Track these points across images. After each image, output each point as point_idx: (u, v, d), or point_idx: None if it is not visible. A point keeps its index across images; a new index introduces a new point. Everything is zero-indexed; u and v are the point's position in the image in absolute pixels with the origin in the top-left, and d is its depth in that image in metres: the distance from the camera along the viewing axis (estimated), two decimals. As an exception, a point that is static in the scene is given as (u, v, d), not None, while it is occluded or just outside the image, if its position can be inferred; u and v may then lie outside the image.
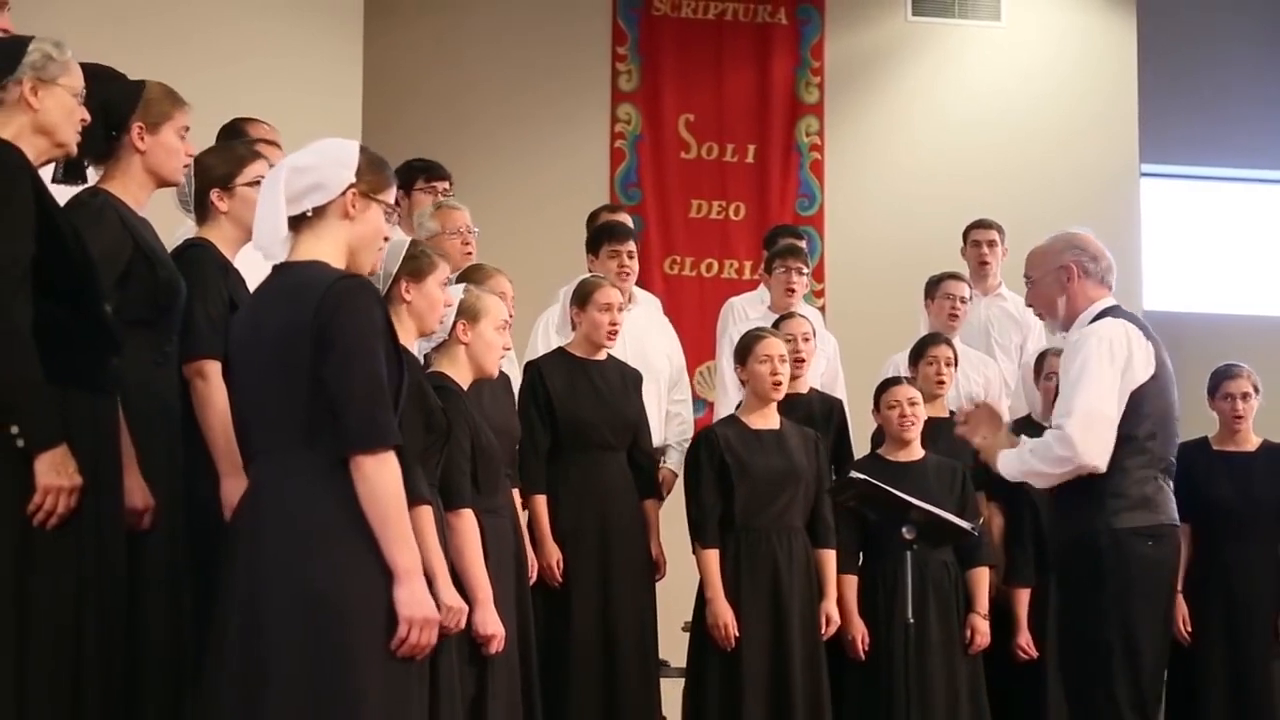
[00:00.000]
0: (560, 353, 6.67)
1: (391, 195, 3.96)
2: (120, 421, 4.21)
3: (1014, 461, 5.33)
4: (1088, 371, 5.17)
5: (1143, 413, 5.21)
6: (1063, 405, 5.23)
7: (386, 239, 4.02)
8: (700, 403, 9.86)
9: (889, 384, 6.86)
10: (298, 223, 3.78)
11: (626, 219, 8.07)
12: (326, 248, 3.78)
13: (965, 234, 8.50)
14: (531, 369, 6.57)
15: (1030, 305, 5.62)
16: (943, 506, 6.31)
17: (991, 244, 8.38)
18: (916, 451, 6.72)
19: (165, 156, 4.55)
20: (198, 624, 4.27)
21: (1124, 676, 5.16)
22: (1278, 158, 12.17)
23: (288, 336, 3.65)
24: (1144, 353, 5.23)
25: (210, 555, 4.31)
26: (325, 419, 3.61)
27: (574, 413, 6.48)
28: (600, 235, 7.38)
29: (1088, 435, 5.12)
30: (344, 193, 3.79)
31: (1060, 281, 5.41)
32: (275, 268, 3.80)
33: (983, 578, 6.69)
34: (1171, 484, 5.36)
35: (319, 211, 3.78)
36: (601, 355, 6.63)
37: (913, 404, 6.72)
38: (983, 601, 6.65)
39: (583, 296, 6.60)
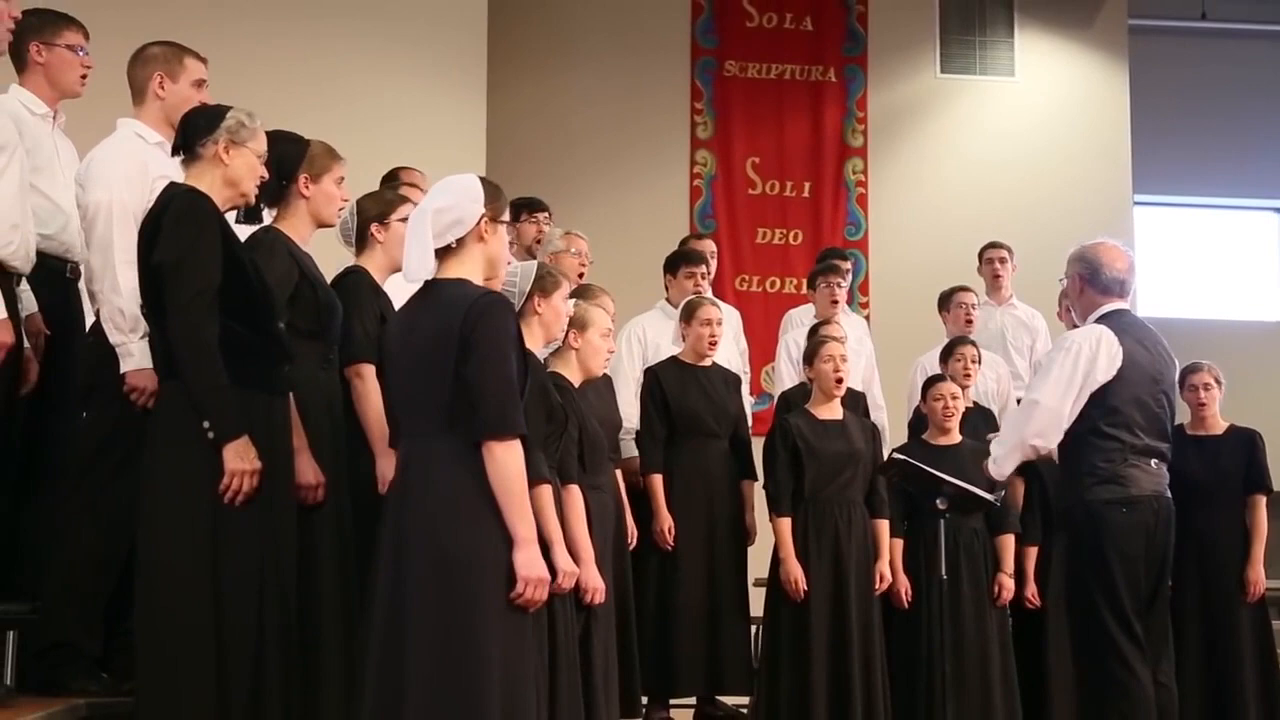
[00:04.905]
0: (673, 360, 6.74)
1: (508, 215, 4.00)
2: (293, 417, 4.24)
3: (991, 465, 5.44)
4: (1050, 372, 5.25)
5: (1106, 406, 5.19)
6: (1028, 394, 5.37)
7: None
8: (765, 396, 9.86)
9: (934, 380, 6.81)
10: (443, 250, 3.81)
11: (711, 245, 8.09)
12: (468, 268, 3.82)
13: (980, 253, 8.46)
14: (650, 373, 6.68)
15: (1061, 301, 5.63)
16: (974, 482, 6.26)
17: (1003, 260, 8.36)
18: (955, 437, 6.68)
19: (324, 201, 4.59)
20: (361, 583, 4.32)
21: (1108, 608, 5.18)
22: (1250, 188, 12.08)
23: (437, 340, 3.68)
24: (1108, 358, 5.21)
25: (369, 525, 4.36)
26: (464, 410, 3.63)
27: (685, 407, 6.55)
28: (678, 259, 7.40)
29: (1033, 423, 5.22)
30: (478, 222, 3.82)
31: (1073, 288, 5.45)
32: (426, 284, 3.82)
33: (1009, 542, 6.61)
34: (1155, 463, 5.30)
35: (460, 240, 3.81)
36: (707, 362, 6.69)
37: (954, 398, 6.68)
38: (1009, 562, 6.59)
39: (688, 315, 6.67)
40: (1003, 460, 5.37)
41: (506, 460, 3.62)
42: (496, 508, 3.61)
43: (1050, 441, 5.25)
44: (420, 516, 3.63)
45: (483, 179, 3.90)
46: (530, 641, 3.73)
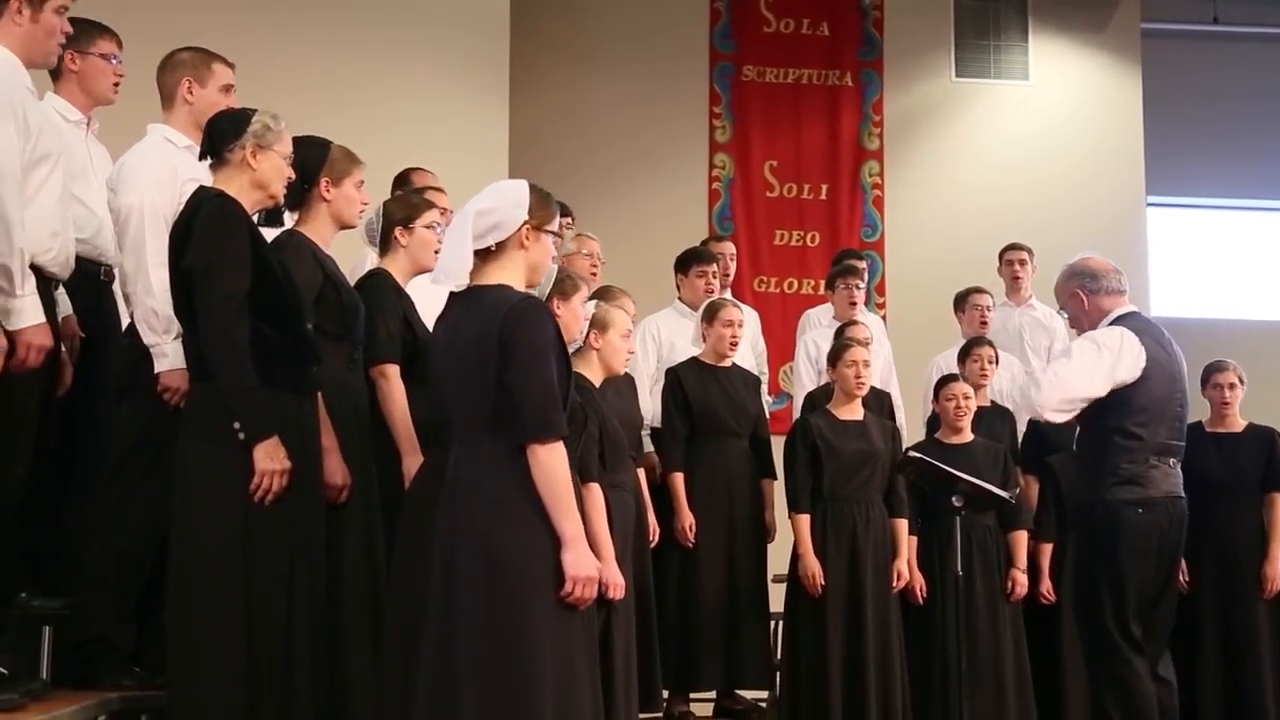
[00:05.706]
0: (694, 361, 6.74)
1: (556, 224, 3.93)
2: (321, 417, 4.26)
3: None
4: (1074, 357, 5.32)
5: (1133, 406, 5.22)
6: (1050, 367, 5.46)
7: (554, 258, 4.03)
8: (784, 396, 9.86)
9: (947, 380, 6.81)
10: (484, 254, 3.78)
11: (730, 247, 8.09)
12: (508, 273, 3.79)
13: (1001, 255, 8.46)
14: (671, 373, 6.67)
15: (1072, 326, 5.69)
16: (988, 481, 6.29)
17: (1022, 262, 8.36)
18: (968, 436, 6.68)
19: (345, 205, 4.62)
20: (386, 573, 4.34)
21: (1110, 605, 5.27)
22: (1263, 188, 12.06)
23: (478, 346, 3.66)
24: (1132, 356, 5.25)
25: (395, 518, 4.38)
26: (507, 413, 3.62)
27: (705, 407, 6.55)
28: (689, 258, 7.38)
29: (1052, 392, 5.28)
30: (519, 229, 3.79)
31: (1077, 305, 5.50)
32: (467, 289, 3.79)
33: (1021, 539, 6.62)
34: (1173, 462, 5.32)
35: (500, 245, 3.78)
36: (727, 362, 6.68)
37: (966, 398, 6.68)
38: (1022, 558, 6.60)
39: (710, 316, 6.67)
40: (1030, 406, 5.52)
41: (550, 462, 3.60)
42: (543, 508, 3.60)
43: (1048, 412, 5.33)
44: (469, 519, 3.63)
45: (535, 188, 3.85)
46: (580, 639, 3.72)
